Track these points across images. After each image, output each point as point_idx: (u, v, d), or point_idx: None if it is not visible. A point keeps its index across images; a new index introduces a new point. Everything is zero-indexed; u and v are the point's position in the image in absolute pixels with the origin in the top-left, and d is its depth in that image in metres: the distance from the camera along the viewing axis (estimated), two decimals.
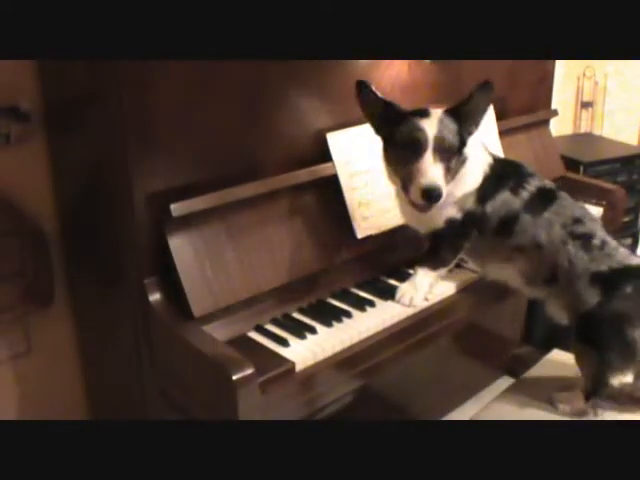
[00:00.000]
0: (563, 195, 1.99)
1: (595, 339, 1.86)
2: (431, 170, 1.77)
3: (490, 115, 2.52)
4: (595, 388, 1.89)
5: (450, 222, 1.96)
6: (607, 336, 1.84)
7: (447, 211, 1.94)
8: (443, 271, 2.02)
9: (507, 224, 1.96)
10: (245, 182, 1.84)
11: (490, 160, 1.99)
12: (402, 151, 1.83)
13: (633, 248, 3.75)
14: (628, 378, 1.87)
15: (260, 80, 1.88)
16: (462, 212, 1.96)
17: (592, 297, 1.86)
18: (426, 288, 1.99)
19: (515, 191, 1.96)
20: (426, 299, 1.99)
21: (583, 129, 4.30)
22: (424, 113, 1.83)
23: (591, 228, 1.93)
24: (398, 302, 1.96)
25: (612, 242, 1.92)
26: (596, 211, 2.70)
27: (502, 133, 2.56)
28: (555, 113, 2.97)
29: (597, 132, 4.25)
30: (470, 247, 2.01)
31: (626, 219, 3.54)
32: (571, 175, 2.95)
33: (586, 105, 4.26)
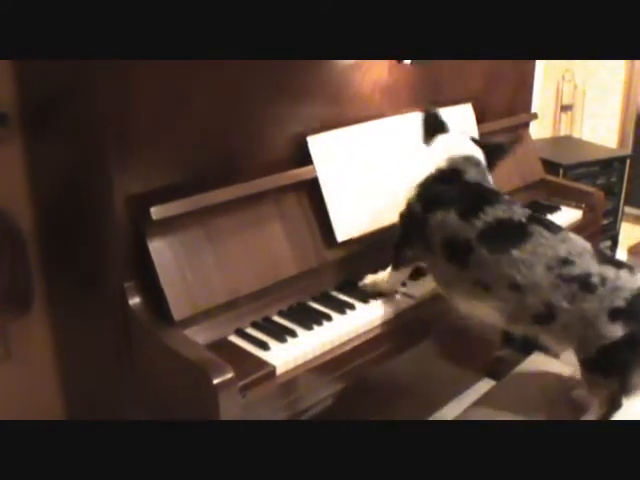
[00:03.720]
0: (538, 230, 1.79)
1: (618, 367, 1.75)
2: None
3: (470, 118, 2.53)
4: (611, 410, 1.78)
5: (399, 215, 1.95)
6: (631, 362, 1.73)
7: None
8: (394, 272, 1.99)
9: (457, 251, 1.83)
10: (226, 185, 1.83)
11: (443, 160, 1.94)
12: None
13: (612, 250, 3.77)
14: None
15: (241, 83, 1.87)
16: (407, 205, 1.93)
17: (615, 332, 1.72)
18: (387, 280, 2.00)
19: (465, 216, 1.81)
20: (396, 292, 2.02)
21: (563, 132, 4.32)
22: None
23: (583, 267, 1.74)
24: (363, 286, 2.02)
25: (610, 272, 1.74)
26: (575, 214, 2.71)
27: (482, 136, 2.57)
28: (535, 116, 2.99)
29: (577, 135, 4.27)
30: (427, 266, 1.97)
31: (605, 222, 3.56)
32: (551, 178, 2.96)
33: (566, 108, 4.29)
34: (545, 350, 2.27)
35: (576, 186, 2.87)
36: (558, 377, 2.00)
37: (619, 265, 1.77)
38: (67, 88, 1.76)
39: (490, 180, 1.97)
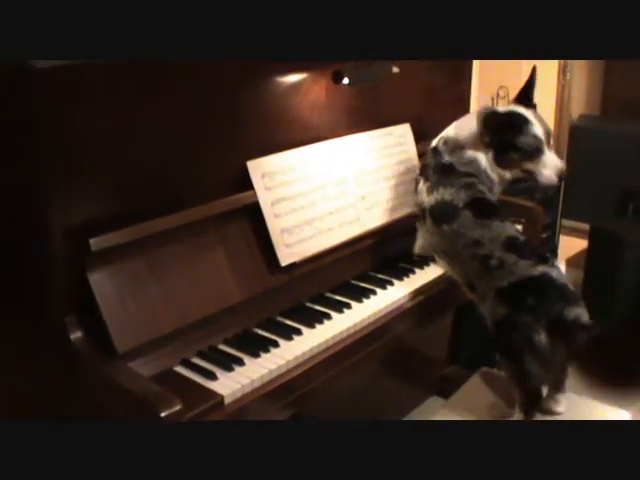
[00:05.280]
0: (465, 214, 2.08)
1: (508, 350, 1.95)
2: None
3: (409, 137, 2.55)
4: (531, 401, 1.92)
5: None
6: (518, 346, 1.90)
7: None
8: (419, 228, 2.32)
9: (422, 212, 2.21)
10: (167, 213, 1.81)
11: (443, 136, 2.26)
12: None
13: None
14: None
15: (180, 110, 1.86)
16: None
17: (501, 310, 1.95)
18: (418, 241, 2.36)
19: (429, 189, 2.17)
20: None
21: None
22: None
23: (489, 249, 2.01)
24: None
25: (511, 258, 1.97)
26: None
27: (421, 155, 2.58)
28: None
29: None
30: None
31: (544, 235, 3.60)
32: None
33: None
34: (492, 365, 2.29)
35: (515, 201, 2.89)
36: (507, 393, 2.01)
37: (526, 257, 1.98)
38: (3, 112, 1.72)
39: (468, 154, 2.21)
